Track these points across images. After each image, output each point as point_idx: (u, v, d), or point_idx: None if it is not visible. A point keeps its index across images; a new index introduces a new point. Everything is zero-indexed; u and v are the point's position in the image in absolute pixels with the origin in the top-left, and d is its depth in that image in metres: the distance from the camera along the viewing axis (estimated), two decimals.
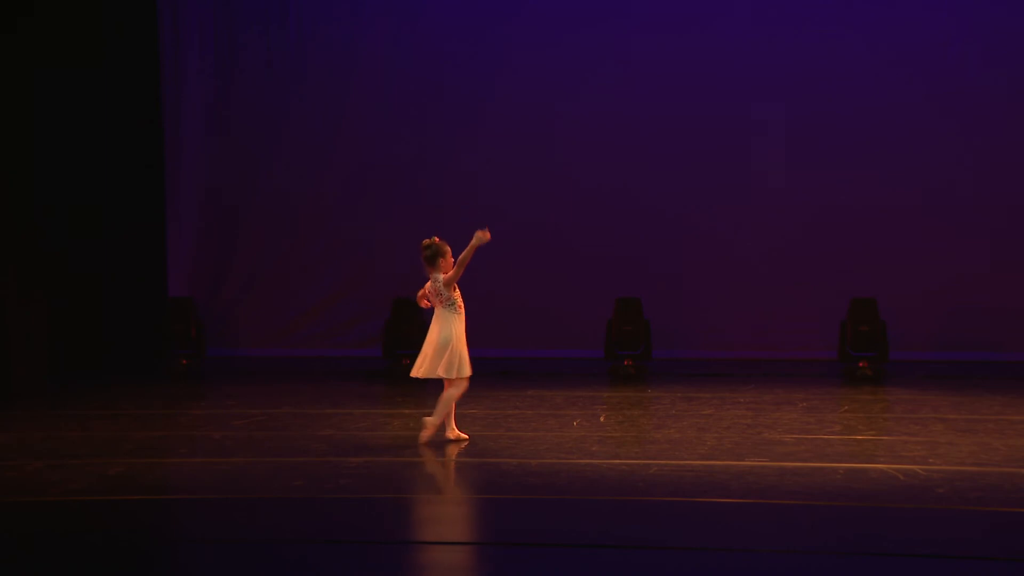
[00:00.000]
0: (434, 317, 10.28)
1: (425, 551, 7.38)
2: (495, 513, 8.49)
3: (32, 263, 13.79)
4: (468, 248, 9.99)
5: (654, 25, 15.62)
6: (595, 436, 10.78)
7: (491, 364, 14.02)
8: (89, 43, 15.37)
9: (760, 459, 9.63)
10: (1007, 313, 15.21)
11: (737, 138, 15.55)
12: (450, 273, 10.14)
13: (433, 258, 10.23)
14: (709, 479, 8.96)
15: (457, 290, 10.21)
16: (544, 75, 15.72)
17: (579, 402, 12.76)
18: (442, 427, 10.38)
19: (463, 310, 10.23)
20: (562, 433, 10.84)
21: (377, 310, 15.57)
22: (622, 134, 15.68)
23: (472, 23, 15.85)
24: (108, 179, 15.67)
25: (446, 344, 10.14)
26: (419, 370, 10.28)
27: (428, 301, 10.30)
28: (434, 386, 10.58)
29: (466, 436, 10.41)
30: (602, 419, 11.85)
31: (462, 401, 10.44)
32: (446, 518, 8.40)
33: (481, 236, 9.95)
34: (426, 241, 10.31)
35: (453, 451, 10.11)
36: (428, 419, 10.30)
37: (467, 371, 10.24)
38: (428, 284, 10.29)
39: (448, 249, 10.26)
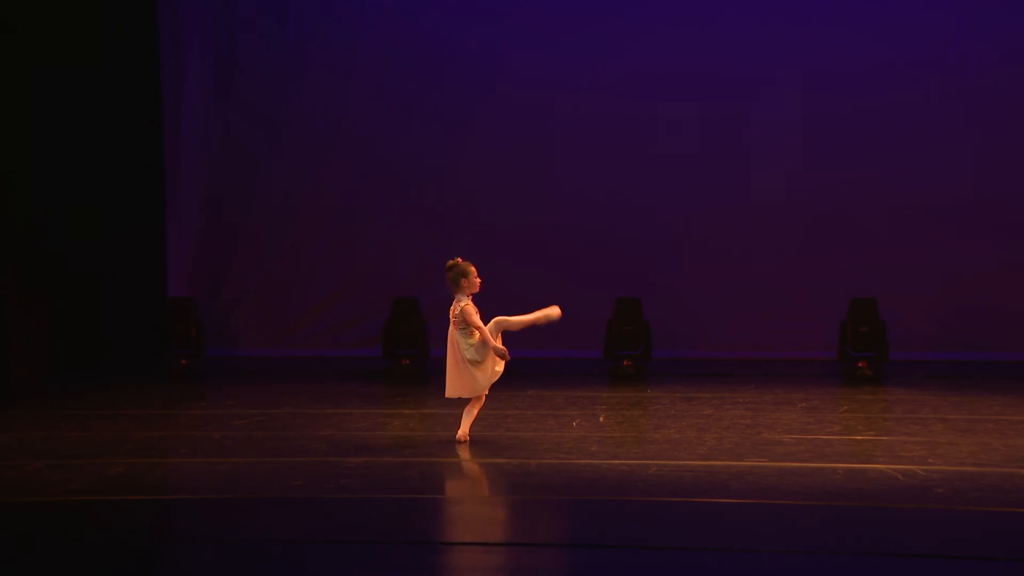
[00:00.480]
0: (449, 334, 10.19)
1: (425, 551, 7.38)
2: (495, 513, 8.49)
3: (32, 263, 13.79)
4: (485, 335, 9.96)
5: (654, 25, 15.63)
6: (594, 436, 10.78)
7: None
8: (89, 43, 15.37)
9: (759, 459, 9.63)
10: (1007, 313, 15.21)
11: (737, 138, 15.55)
12: (475, 325, 9.98)
13: (456, 280, 10.13)
14: (709, 479, 8.96)
15: (485, 329, 10.03)
16: (544, 75, 15.73)
17: (579, 402, 12.76)
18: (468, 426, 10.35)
19: (476, 337, 10.14)
20: (561, 433, 10.84)
21: (377, 310, 15.57)
22: (622, 134, 15.68)
23: (472, 23, 15.85)
24: (108, 179, 15.67)
25: (460, 365, 10.11)
26: (448, 390, 10.25)
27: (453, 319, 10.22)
28: (443, 385, 10.46)
29: (466, 440, 10.34)
30: (601, 419, 11.85)
31: (464, 401, 10.40)
32: (446, 518, 8.40)
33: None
34: (449, 262, 10.19)
35: (454, 451, 10.10)
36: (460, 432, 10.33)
37: (478, 390, 10.19)
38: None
39: (471, 269, 10.11)
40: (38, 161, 14.23)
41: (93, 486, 8.84)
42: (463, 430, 10.31)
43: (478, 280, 10.15)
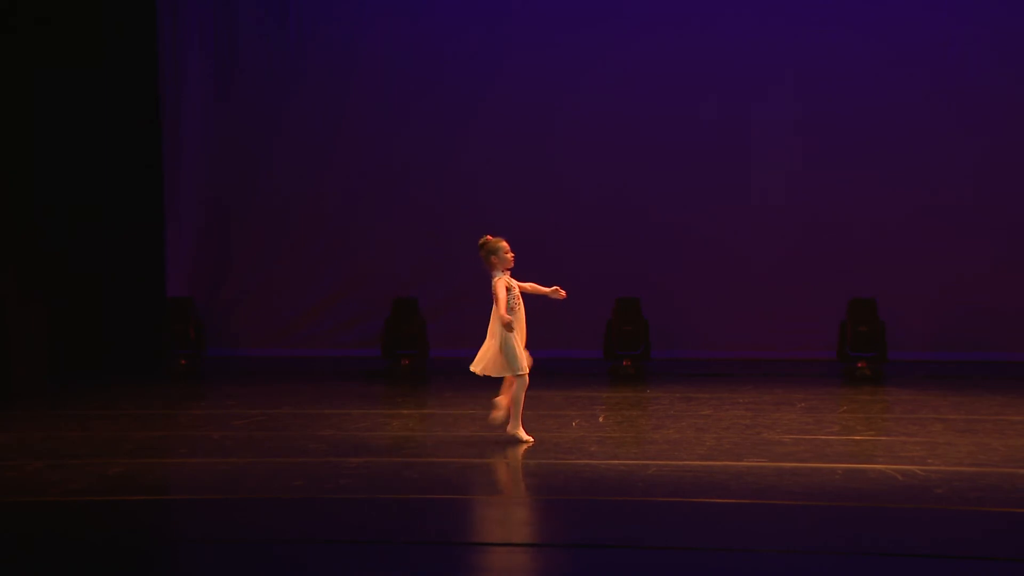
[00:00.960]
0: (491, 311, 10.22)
1: (425, 551, 7.38)
2: (495, 513, 8.50)
3: (32, 263, 13.80)
4: (500, 309, 10.00)
5: (654, 25, 15.63)
6: (594, 436, 10.78)
7: None
8: (89, 43, 15.38)
9: (759, 459, 9.63)
10: (1007, 313, 15.22)
11: (737, 138, 15.56)
12: (496, 299, 10.05)
13: (487, 257, 10.20)
14: (708, 479, 8.96)
15: (502, 300, 10.06)
16: (544, 75, 15.73)
17: (578, 402, 12.77)
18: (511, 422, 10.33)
19: (502, 309, 10.11)
20: (561, 433, 10.85)
21: (377, 310, 15.58)
22: (622, 134, 15.69)
23: (472, 23, 15.86)
24: (108, 179, 15.68)
25: (494, 344, 10.14)
26: (476, 365, 10.25)
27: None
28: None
29: (530, 439, 10.28)
30: (601, 419, 11.86)
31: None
32: (446, 519, 8.40)
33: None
34: (480, 240, 10.27)
35: (454, 451, 10.11)
36: (498, 399, 10.29)
37: (518, 370, 10.18)
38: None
39: (502, 244, 10.15)
40: (38, 161, 14.25)
41: (93, 486, 8.84)
42: (500, 406, 10.27)
43: (510, 255, 10.19)
